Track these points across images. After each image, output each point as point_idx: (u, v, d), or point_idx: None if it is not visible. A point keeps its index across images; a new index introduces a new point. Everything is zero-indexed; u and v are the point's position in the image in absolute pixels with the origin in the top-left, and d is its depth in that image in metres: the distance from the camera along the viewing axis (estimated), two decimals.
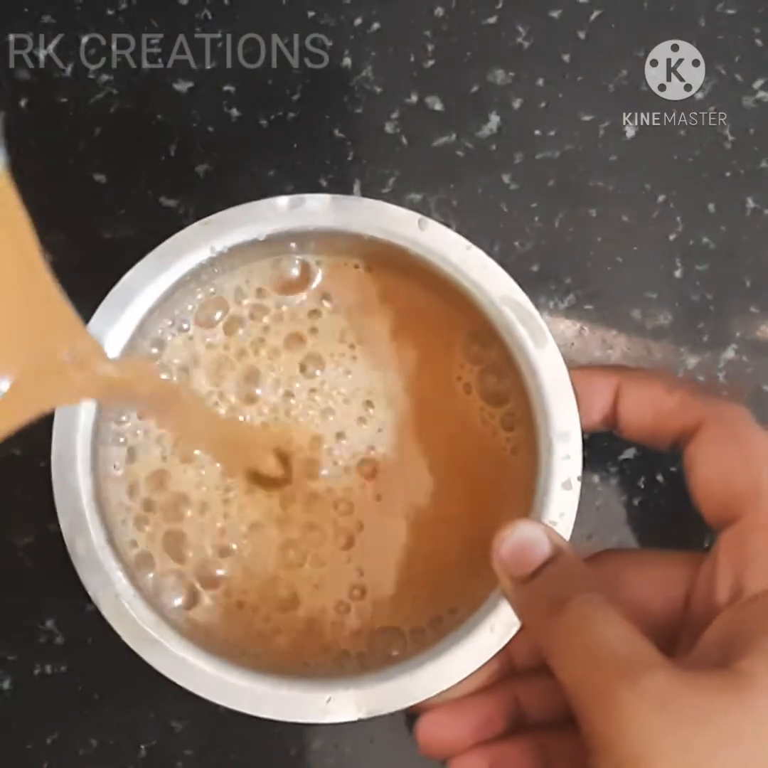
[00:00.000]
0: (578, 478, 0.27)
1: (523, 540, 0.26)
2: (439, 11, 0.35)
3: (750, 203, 0.34)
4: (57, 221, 0.34)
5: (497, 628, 0.26)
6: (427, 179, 0.34)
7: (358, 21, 0.35)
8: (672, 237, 0.34)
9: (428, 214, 0.34)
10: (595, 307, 0.33)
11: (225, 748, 0.32)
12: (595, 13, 0.34)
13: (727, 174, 0.34)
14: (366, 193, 0.34)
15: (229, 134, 0.34)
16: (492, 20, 0.35)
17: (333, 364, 0.29)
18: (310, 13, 0.35)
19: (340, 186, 0.34)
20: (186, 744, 0.32)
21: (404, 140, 0.34)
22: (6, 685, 0.32)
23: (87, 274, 0.34)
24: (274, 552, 0.29)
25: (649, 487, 0.33)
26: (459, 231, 0.32)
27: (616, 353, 0.33)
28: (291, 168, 0.34)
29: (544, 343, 0.27)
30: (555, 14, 0.35)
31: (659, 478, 0.33)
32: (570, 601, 0.25)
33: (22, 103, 0.35)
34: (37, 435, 0.33)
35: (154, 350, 0.29)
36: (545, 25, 0.34)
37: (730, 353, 0.33)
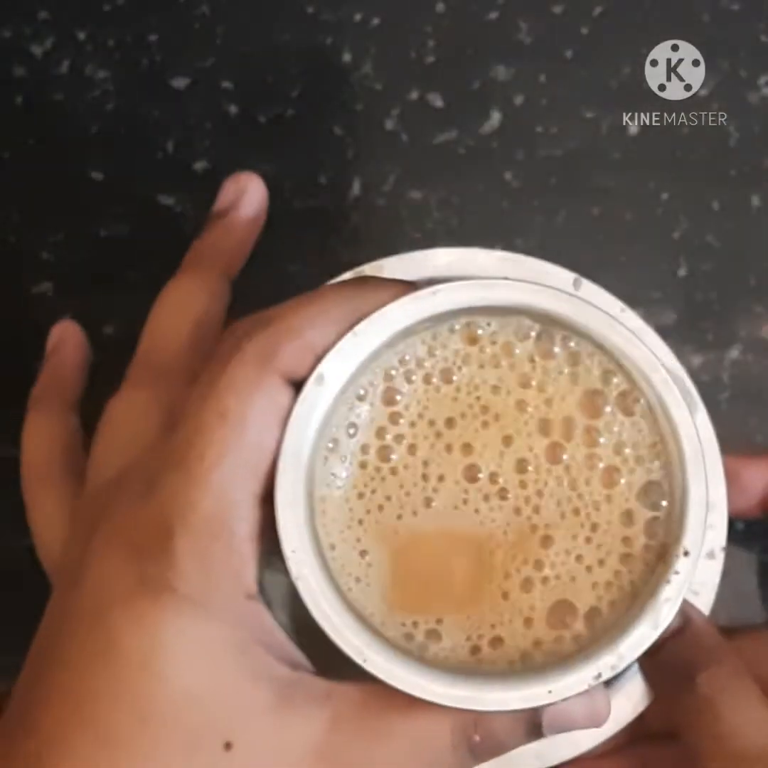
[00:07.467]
0: (722, 549, 0.26)
1: None
2: (440, 7, 0.34)
3: (755, 202, 0.34)
4: (53, 219, 0.34)
5: (633, 695, 0.26)
6: (427, 177, 0.34)
7: (357, 17, 0.34)
8: (676, 236, 0.33)
9: (429, 213, 0.34)
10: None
11: None
12: (598, 9, 0.34)
13: (732, 172, 0.34)
14: (366, 190, 0.34)
15: (228, 131, 0.34)
16: (493, 16, 0.34)
17: None
18: (310, 9, 0.34)
19: (339, 184, 0.34)
20: None
21: (405, 137, 0.34)
22: (4, 690, 0.32)
23: (84, 272, 0.34)
24: None
25: None
26: (460, 229, 0.32)
27: None
28: (290, 165, 0.34)
29: (694, 411, 0.26)
30: (557, 10, 0.34)
31: None
32: (697, 678, 0.24)
33: (18, 100, 0.34)
34: None
35: None
36: (547, 21, 0.34)
37: (734, 353, 0.33)
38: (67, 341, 0.32)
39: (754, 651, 0.26)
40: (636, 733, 0.27)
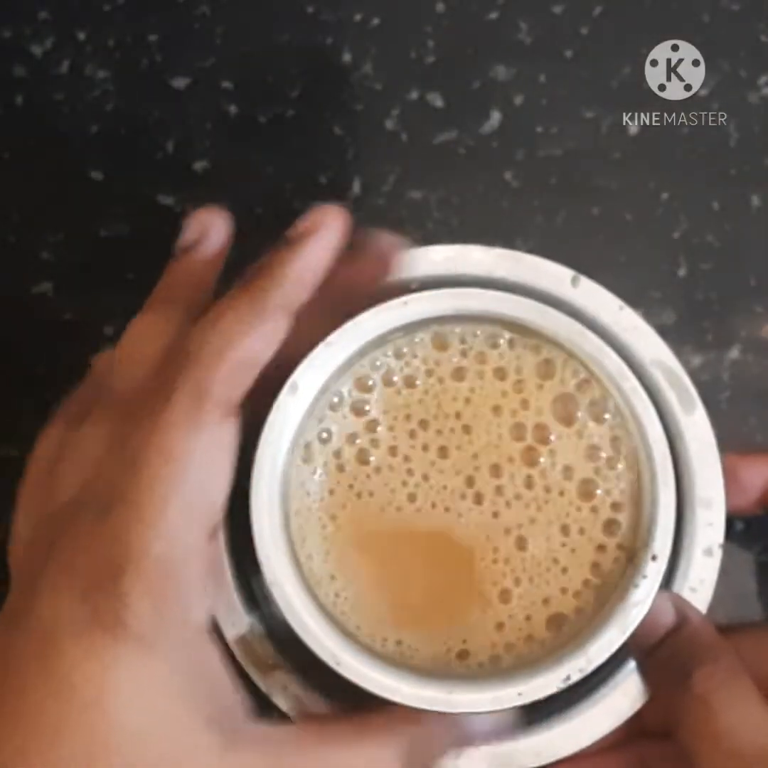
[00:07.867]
0: (720, 546, 0.26)
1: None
2: (441, 7, 0.34)
3: (755, 201, 0.34)
4: (53, 219, 0.34)
5: (631, 692, 0.26)
6: (427, 177, 0.34)
7: (358, 17, 0.34)
8: (676, 235, 0.33)
9: (429, 213, 0.34)
10: None
11: None
12: (598, 9, 0.34)
13: (732, 171, 0.34)
14: (366, 191, 0.34)
15: (228, 131, 0.34)
16: (493, 16, 0.34)
17: None
18: (309, 9, 0.34)
19: (339, 184, 0.34)
20: None
21: (405, 137, 0.34)
22: None
23: (84, 272, 0.34)
24: None
25: None
26: (460, 229, 0.32)
27: None
28: (290, 165, 0.34)
29: (692, 409, 0.27)
30: (557, 10, 0.34)
31: None
32: (693, 675, 0.24)
33: (18, 100, 0.34)
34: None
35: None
36: (547, 21, 0.34)
37: (734, 353, 0.33)
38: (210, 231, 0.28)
39: (753, 650, 0.26)
40: (633, 730, 0.27)
